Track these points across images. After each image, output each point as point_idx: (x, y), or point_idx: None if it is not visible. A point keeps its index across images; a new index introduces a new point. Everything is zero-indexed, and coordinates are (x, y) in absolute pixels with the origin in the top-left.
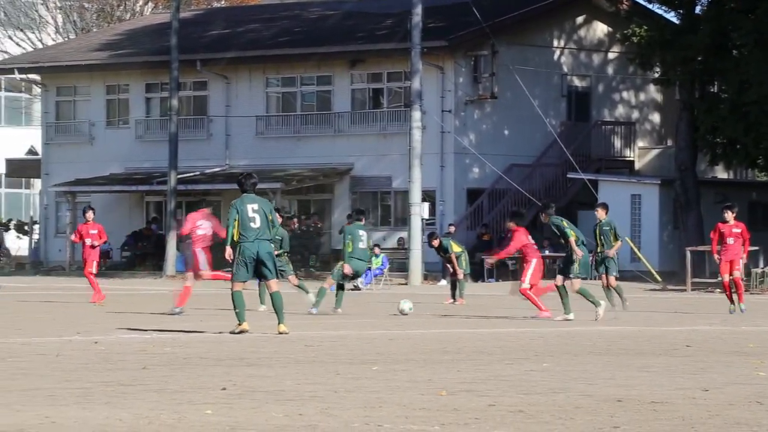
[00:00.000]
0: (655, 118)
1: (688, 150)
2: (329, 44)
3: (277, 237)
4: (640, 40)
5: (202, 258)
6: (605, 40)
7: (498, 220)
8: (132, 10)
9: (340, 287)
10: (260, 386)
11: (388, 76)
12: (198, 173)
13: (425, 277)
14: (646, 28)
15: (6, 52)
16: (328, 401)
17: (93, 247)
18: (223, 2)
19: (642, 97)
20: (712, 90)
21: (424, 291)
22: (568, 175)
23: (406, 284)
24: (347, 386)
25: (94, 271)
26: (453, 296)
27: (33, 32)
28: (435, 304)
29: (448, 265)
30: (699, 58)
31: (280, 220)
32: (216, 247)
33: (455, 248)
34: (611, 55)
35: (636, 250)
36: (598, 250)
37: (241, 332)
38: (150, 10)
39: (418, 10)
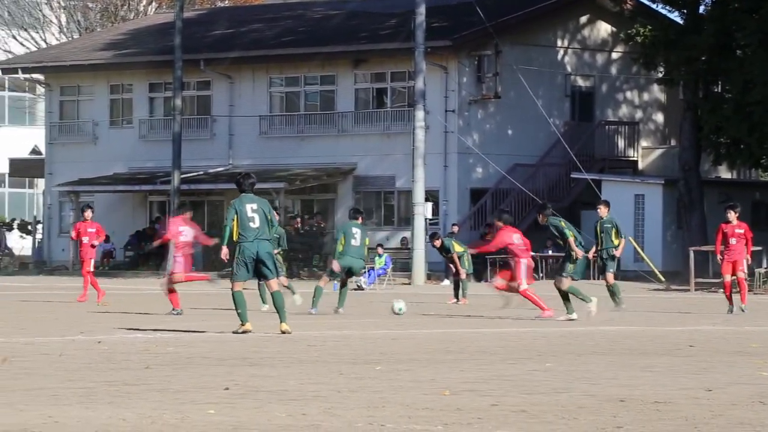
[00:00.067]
0: (659, 118)
1: (692, 150)
2: (333, 44)
3: (275, 235)
4: (644, 40)
5: (180, 263)
6: (609, 40)
7: None
8: (136, 10)
9: (343, 284)
10: (263, 386)
11: (392, 76)
12: (201, 173)
13: (428, 277)
14: (649, 27)
15: (10, 51)
16: (331, 401)
17: (93, 246)
18: (226, 2)
19: (646, 97)
20: (716, 90)
21: (427, 291)
22: (572, 175)
23: (409, 284)
24: (350, 386)
25: (92, 269)
26: (456, 296)
27: (37, 32)
28: (438, 304)
29: (451, 265)
30: (703, 58)
31: (277, 217)
32: (214, 247)
33: (457, 248)
34: (615, 55)
35: (639, 249)
36: (598, 247)
37: (244, 332)
38: (153, 9)
39: (422, 9)
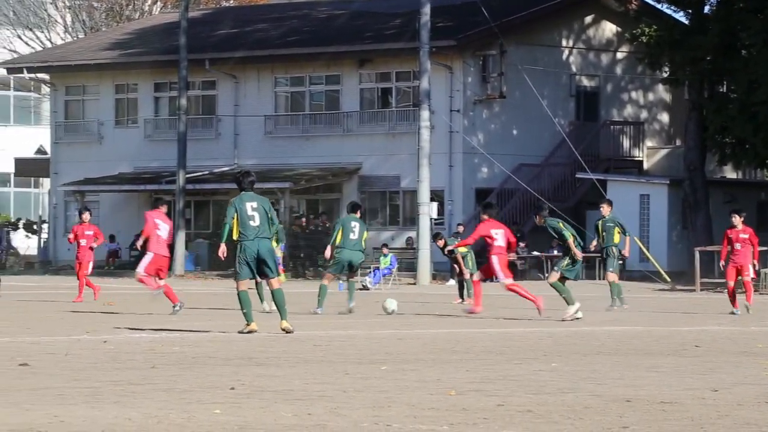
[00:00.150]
0: (664, 118)
1: (697, 150)
2: (338, 44)
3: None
4: (649, 40)
5: (147, 259)
6: (614, 40)
7: (506, 220)
8: (141, 10)
9: (349, 278)
10: (269, 386)
11: (397, 76)
12: (207, 173)
13: (434, 277)
14: (654, 27)
15: (15, 51)
16: (337, 401)
17: (91, 248)
18: (231, 2)
19: (651, 97)
20: (721, 90)
21: (432, 291)
22: (577, 175)
23: (414, 284)
24: (356, 386)
25: (89, 272)
26: (461, 296)
27: (42, 31)
28: (443, 304)
29: (455, 266)
30: (708, 58)
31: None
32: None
33: (461, 248)
34: (620, 55)
35: (645, 250)
36: (596, 242)
37: (249, 332)
38: (159, 9)
39: (427, 9)
